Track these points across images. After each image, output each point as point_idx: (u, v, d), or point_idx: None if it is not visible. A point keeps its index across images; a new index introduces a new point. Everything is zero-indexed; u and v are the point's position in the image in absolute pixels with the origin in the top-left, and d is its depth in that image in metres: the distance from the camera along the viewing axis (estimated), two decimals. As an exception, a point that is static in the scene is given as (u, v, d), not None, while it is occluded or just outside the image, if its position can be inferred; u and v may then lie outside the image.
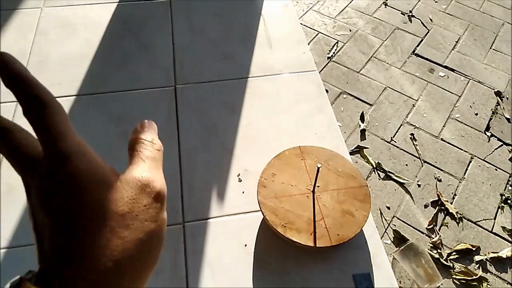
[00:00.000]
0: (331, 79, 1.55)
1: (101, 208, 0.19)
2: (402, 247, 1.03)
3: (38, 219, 0.19)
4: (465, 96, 1.54)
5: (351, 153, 1.31)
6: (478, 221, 1.20)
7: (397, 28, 1.78)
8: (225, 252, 0.85)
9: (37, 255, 0.19)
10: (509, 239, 1.16)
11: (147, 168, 0.22)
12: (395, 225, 1.17)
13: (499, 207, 1.23)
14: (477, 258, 1.12)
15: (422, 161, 1.33)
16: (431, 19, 1.84)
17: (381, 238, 0.95)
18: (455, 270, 1.09)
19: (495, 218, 1.20)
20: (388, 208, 1.21)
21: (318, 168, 0.82)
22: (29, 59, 1.21)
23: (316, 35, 1.71)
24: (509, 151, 1.37)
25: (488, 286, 1.07)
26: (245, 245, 0.87)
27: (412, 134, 1.40)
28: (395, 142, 1.37)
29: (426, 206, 1.22)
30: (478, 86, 1.58)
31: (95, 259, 0.18)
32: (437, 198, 1.23)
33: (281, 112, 1.12)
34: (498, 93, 1.55)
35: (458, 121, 1.45)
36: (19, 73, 0.20)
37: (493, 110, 1.50)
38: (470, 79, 1.60)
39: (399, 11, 1.86)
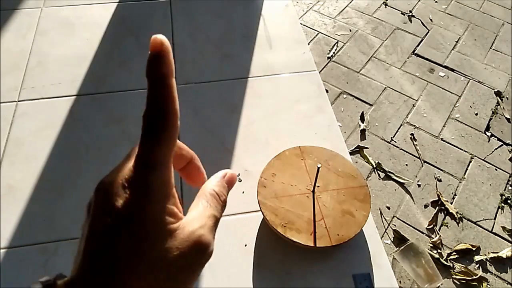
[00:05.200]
0: (331, 79, 1.55)
1: (152, 251, 0.19)
2: (402, 247, 1.03)
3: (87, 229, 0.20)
4: (465, 96, 1.54)
5: (351, 153, 1.31)
6: (478, 221, 1.20)
7: (397, 28, 1.78)
8: (225, 252, 0.86)
9: (76, 262, 0.20)
10: (509, 239, 1.16)
11: (210, 229, 0.22)
12: (395, 225, 1.17)
13: (499, 207, 1.23)
14: (477, 258, 1.12)
15: (422, 161, 1.33)
16: (431, 19, 1.84)
17: (381, 238, 0.95)
18: (455, 270, 1.09)
19: (495, 218, 1.20)
20: (388, 208, 1.21)
21: (318, 168, 0.81)
22: (29, 59, 1.21)
23: (316, 35, 1.71)
24: (509, 151, 1.37)
25: (488, 286, 1.07)
26: (245, 245, 0.87)
27: (412, 134, 1.40)
28: (395, 142, 1.37)
29: (426, 206, 1.22)
30: (478, 86, 1.58)
31: None
32: (437, 198, 1.23)
33: (281, 112, 1.12)
34: (498, 93, 1.55)
35: (458, 121, 1.45)
36: (164, 74, 0.20)
37: (493, 110, 1.50)
38: (470, 79, 1.60)
39: (399, 11, 1.86)
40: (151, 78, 0.20)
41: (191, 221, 0.22)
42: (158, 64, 0.20)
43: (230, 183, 0.26)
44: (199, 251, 0.21)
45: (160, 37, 0.20)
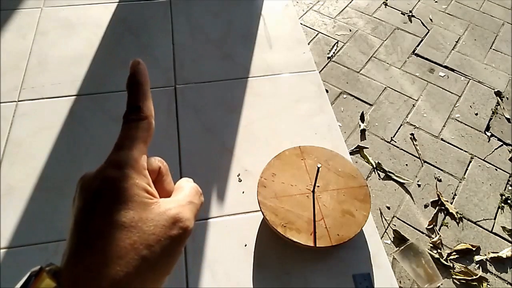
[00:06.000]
0: (331, 79, 1.55)
1: (131, 222, 0.20)
2: (402, 247, 1.03)
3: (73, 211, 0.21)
4: (465, 96, 1.54)
5: (351, 153, 1.31)
6: (478, 221, 1.20)
7: (397, 28, 1.78)
8: (225, 252, 0.85)
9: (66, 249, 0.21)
10: (509, 239, 1.16)
11: (189, 209, 0.23)
12: (395, 225, 1.17)
13: (499, 207, 1.23)
14: (477, 258, 1.12)
15: (422, 161, 1.33)
16: (431, 19, 1.84)
17: (381, 238, 0.95)
18: (455, 270, 1.09)
19: (495, 218, 1.20)
20: (388, 208, 1.21)
21: (318, 168, 0.81)
22: (29, 59, 1.21)
23: (316, 35, 1.71)
24: (509, 151, 1.37)
25: (488, 286, 1.07)
26: (245, 245, 0.87)
27: (412, 134, 1.40)
28: (395, 142, 1.37)
29: (426, 206, 1.22)
30: (478, 86, 1.58)
31: (107, 265, 0.19)
32: (437, 198, 1.23)
33: (281, 112, 1.12)
34: (498, 93, 1.55)
35: (458, 121, 1.45)
36: (139, 84, 0.25)
37: (493, 110, 1.50)
38: (470, 79, 1.60)
39: (399, 11, 1.86)
40: (130, 86, 0.25)
41: (169, 201, 0.23)
42: (135, 76, 0.25)
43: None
44: (176, 226, 0.22)
45: (137, 59, 0.26)
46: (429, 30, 1.78)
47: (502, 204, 1.24)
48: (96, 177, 0.22)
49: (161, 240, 0.21)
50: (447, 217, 1.20)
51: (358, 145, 1.35)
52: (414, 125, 1.43)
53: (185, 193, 0.25)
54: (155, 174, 0.26)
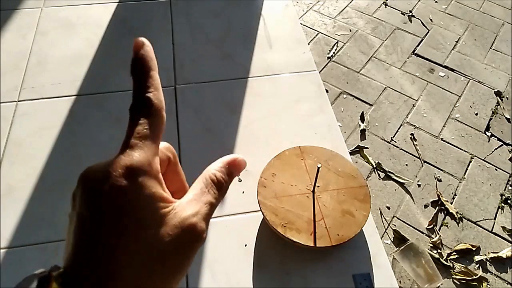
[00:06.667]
0: (331, 79, 1.55)
1: (143, 238, 0.19)
2: (402, 247, 1.03)
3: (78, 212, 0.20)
4: (465, 96, 1.54)
5: (351, 153, 1.31)
6: (478, 221, 1.20)
7: (397, 28, 1.78)
8: (225, 252, 0.85)
9: (67, 252, 0.19)
10: (509, 239, 1.16)
11: (203, 216, 0.21)
12: (395, 225, 1.17)
13: (499, 207, 1.23)
14: (477, 258, 1.12)
15: (422, 161, 1.33)
16: (431, 19, 1.84)
17: (381, 238, 0.95)
18: (455, 270, 1.09)
19: (495, 218, 1.20)
20: (388, 208, 1.21)
21: (318, 168, 0.81)
22: (29, 59, 1.21)
23: (316, 35, 1.71)
24: (509, 151, 1.37)
25: (488, 286, 1.07)
26: (245, 245, 0.87)
27: (412, 134, 1.40)
28: (395, 142, 1.37)
29: (426, 206, 1.22)
30: (478, 86, 1.58)
31: (123, 279, 0.18)
32: (437, 198, 1.23)
33: (281, 112, 1.12)
34: (498, 93, 1.55)
35: (458, 121, 1.45)
36: (146, 70, 0.22)
37: (493, 110, 1.50)
38: (470, 79, 1.60)
39: (399, 11, 1.86)
40: (135, 72, 0.22)
41: (185, 205, 0.21)
42: (141, 60, 0.22)
43: (237, 169, 0.25)
44: (192, 239, 0.20)
45: (142, 38, 0.23)
46: (429, 30, 1.78)
47: (502, 204, 1.24)
48: (105, 181, 0.19)
49: (177, 254, 0.20)
50: (447, 217, 1.20)
51: (358, 145, 1.35)
52: (414, 125, 1.43)
53: (201, 190, 0.22)
54: (165, 166, 0.24)
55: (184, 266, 0.21)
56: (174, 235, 0.20)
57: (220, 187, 0.23)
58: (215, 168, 0.24)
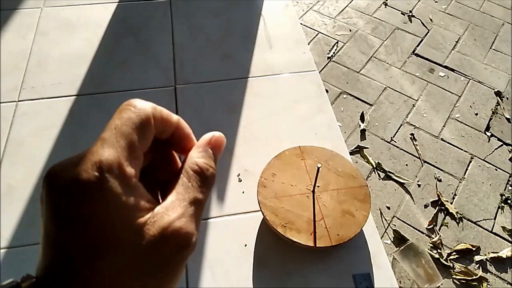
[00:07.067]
0: (331, 79, 1.55)
1: (116, 257, 0.17)
2: (402, 247, 1.03)
3: (47, 220, 0.17)
4: (465, 96, 1.54)
5: (351, 153, 1.31)
6: (478, 221, 1.20)
7: (397, 28, 1.78)
8: (225, 252, 0.85)
9: (41, 260, 0.18)
10: (509, 239, 1.16)
11: (190, 217, 0.19)
12: (395, 225, 1.17)
13: (499, 207, 1.23)
14: (477, 258, 1.12)
15: (422, 161, 1.33)
16: (431, 19, 1.84)
17: (381, 238, 0.95)
18: (455, 270, 1.09)
19: (495, 218, 1.20)
20: (388, 208, 1.21)
21: (318, 168, 0.81)
22: (29, 59, 1.21)
23: (316, 35, 1.71)
24: (509, 151, 1.37)
25: (488, 286, 1.07)
26: (245, 245, 0.87)
27: (412, 134, 1.40)
28: (395, 142, 1.37)
29: (426, 206, 1.22)
30: (478, 86, 1.58)
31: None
32: (437, 198, 1.23)
33: (281, 112, 1.12)
34: (498, 93, 1.55)
35: (458, 121, 1.45)
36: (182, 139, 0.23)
37: (493, 110, 1.50)
38: (470, 79, 1.60)
39: (399, 11, 1.86)
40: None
41: (167, 210, 0.18)
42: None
43: (217, 148, 0.22)
44: (179, 247, 0.18)
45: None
46: (429, 30, 1.78)
47: (502, 204, 1.24)
48: (66, 175, 0.17)
49: (164, 267, 0.18)
50: (447, 217, 1.20)
51: (358, 145, 1.35)
52: (414, 125, 1.43)
53: (184, 186, 0.20)
54: (171, 128, 0.22)
55: (174, 277, 0.18)
56: (156, 247, 0.17)
57: (206, 177, 0.21)
58: (195, 155, 0.21)
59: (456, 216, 1.20)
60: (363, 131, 1.39)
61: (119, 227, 0.17)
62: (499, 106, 1.51)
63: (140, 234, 0.17)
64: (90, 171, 0.17)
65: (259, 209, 0.84)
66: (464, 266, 1.09)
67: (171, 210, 0.18)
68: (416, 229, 1.17)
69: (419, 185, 1.27)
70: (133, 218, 0.17)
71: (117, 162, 0.17)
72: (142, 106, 0.20)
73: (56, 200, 0.17)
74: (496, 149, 1.38)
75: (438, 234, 1.16)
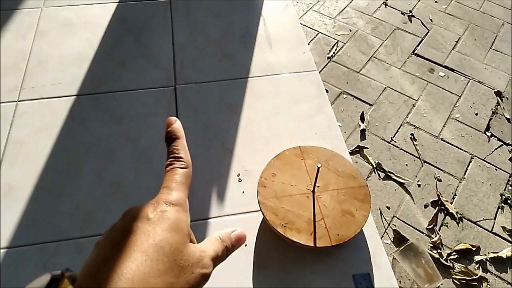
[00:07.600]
0: (331, 79, 1.55)
1: (170, 247, 0.22)
2: (402, 247, 1.03)
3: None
4: (465, 96, 1.54)
5: (351, 153, 1.31)
6: (478, 221, 1.20)
7: (397, 28, 1.78)
8: (225, 252, 0.85)
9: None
10: (509, 239, 1.16)
11: (210, 256, 0.26)
12: (395, 225, 1.17)
13: (499, 207, 1.23)
14: (477, 258, 1.12)
15: (422, 161, 1.32)
16: (431, 19, 1.84)
17: (381, 238, 0.95)
18: (455, 270, 1.09)
19: (495, 218, 1.20)
20: (388, 208, 1.21)
21: (318, 168, 0.81)
22: (29, 59, 1.21)
23: (316, 35, 1.71)
24: (509, 151, 1.37)
25: (488, 286, 1.07)
26: (245, 245, 0.87)
27: (412, 134, 1.40)
28: (395, 142, 1.37)
29: (426, 206, 1.22)
30: (478, 86, 1.58)
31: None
32: (437, 198, 1.23)
33: (281, 112, 1.12)
34: (498, 93, 1.55)
35: (458, 121, 1.45)
36: (178, 138, 0.30)
37: (493, 110, 1.50)
38: (470, 79, 1.60)
39: (399, 11, 1.86)
40: (169, 139, 0.30)
41: (197, 245, 0.26)
42: (174, 132, 0.30)
43: (237, 240, 0.31)
44: (200, 269, 0.23)
45: (173, 118, 0.31)
46: (429, 30, 1.78)
47: (502, 204, 1.24)
48: (147, 210, 0.23)
49: (188, 271, 0.22)
50: (447, 217, 1.20)
51: (358, 145, 1.35)
52: (414, 125, 1.43)
53: (211, 242, 0.27)
54: None
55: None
56: (188, 258, 0.23)
57: (223, 244, 0.29)
58: (221, 232, 0.30)
59: (456, 216, 1.20)
60: (363, 131, 1.39)
61: (179, 240, 0.23)
62: (499, 106, 1.51)
63: (186, 247, 0.23)
64: (163, 203, 0.26)
65: (259, 209, 0.84)
66: (464, 266, 1.09)
67: (200, 246, 0.26)
68: (416, 229, 1.17)
69: (419, 185, 1.26)
70: (187, 235, 0.25)
71: (183, 198, 0.28)
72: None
73: (131, 222, 0.23)
74: (496, 149, 1.38)
75: (438, 234, 1.16)
